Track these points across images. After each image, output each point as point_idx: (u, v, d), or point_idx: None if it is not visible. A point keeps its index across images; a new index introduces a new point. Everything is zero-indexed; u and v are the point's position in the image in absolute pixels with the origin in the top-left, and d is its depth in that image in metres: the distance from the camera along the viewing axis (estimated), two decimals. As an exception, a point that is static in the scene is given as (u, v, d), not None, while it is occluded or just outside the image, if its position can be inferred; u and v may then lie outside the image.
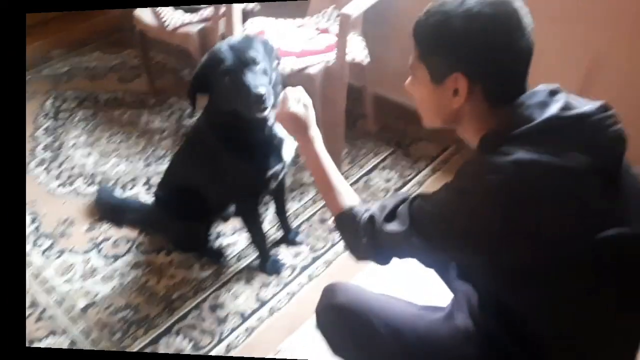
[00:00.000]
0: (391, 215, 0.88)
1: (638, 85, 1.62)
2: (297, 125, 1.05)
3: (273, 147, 1.47)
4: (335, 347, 1.12)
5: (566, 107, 0.76)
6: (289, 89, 1.08)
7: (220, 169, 1.53)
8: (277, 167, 1.51)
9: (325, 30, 1.99)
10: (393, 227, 0.86)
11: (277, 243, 1.82)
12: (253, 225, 1.68)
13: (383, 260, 0.94)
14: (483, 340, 0.92)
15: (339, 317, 1.06)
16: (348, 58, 1.81)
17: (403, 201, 0.89)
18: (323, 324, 1.12)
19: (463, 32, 0.76)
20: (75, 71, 2.80)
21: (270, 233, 1.84)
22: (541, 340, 0.84)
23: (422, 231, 0.82)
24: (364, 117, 2.22)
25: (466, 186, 0.78)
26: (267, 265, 1.73)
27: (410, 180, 2.00)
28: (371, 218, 0.91)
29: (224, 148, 1.47)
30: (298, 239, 1.81)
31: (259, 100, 1.25)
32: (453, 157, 2.07)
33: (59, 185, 2.11)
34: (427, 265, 1.18)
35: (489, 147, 0.79)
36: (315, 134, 1.05)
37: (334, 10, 2.06)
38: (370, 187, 1.99)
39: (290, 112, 1.04)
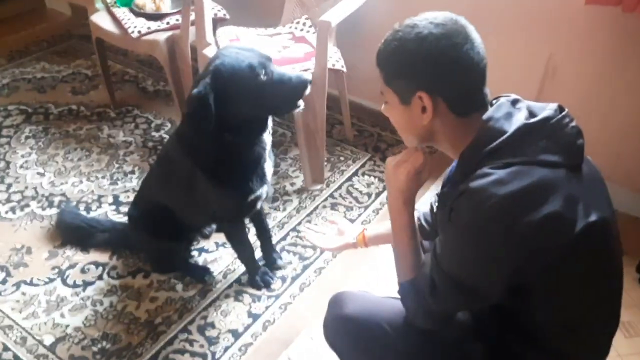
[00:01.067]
0: (432, 284, 0.90)
1: (590, 87, 1.78)
2: (416, 190, 0.99)
3: (260, 168, 1.42)
4: (346, 358, 1.11)
5: (530, 114, 0.85)
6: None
7: (203, 193, 1.43)
8: (262, 190, 1.46)
9: (301, 39, 1.99)
10: (437, 296, 0.89)
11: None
12: (240, 243, 1.61)
13: (444, 325, 0.96)
14: (483, 332, 0.97)
15: (349, 327, 1.05)
16: (328, 65, 1.81)
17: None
18: (332, 336, 1.10)
19: (417, 53, 0.83)
20: (18, 83, 2.56)
21: (257, 245, 1.78)
22: (536, 328, 0.89)
23: (458, 282, 0.85)
24: (341, 124, 2.24)
25: (467, 225, 0.81)
26: (256, 279, 1.66)
27: (389, 184, 2.04)
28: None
29: (208, 171, 1.37)
30: (280, 262, 1.72)
31: (306, 85, 1.24)
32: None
33: (8, 210, 1.90)
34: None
35: (468, 165, 0.85)
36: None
37: (306, 19, 2.07)
38: (352, 192, 2.00)
39: (424, 180, 0.99)
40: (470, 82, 0.85)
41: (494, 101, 0.89)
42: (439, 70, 0.83)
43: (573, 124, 0.85)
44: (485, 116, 0.85)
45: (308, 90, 1.27)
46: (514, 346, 0.92)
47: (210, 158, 1.34)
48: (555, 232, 0.78)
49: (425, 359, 1.00)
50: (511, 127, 0.82)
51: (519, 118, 0.84)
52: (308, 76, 1.26)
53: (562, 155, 0.81)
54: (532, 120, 0.83)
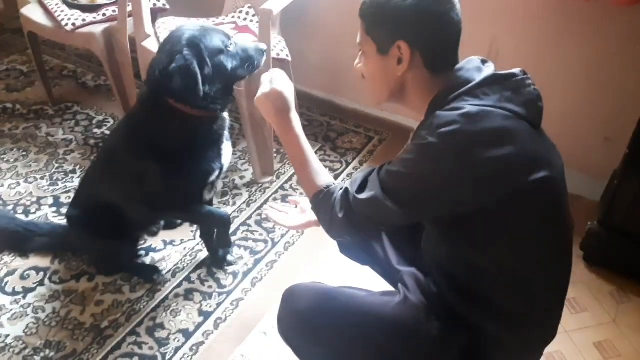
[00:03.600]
0: (363, 185, 0.95)
1: (530, 68, 1.82)
2: (282, 105, 1.04)
3: (216, 149, 1.41)
4: (303, 353, 1.08)
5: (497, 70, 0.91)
6: (274, 70, 1.10)
7: (158, 180, 1.38)
8: (216, 173, 1.43)
9: (244, 28, 1.95)
10: (365, 194, 0.92)
11: (200, 265, 1.68)
12: (206, 215, 1.54)
13: (358, 232, 0.98)
14: (439, 311, 0.98)
15: (304, 321, 1.03)
16: (272, 55, 1.78)
17: (371, 172, 0.96)
18: (288, 331, 1.07)
19: (402, 3, 0.88)
20: (-55, 82, 2.41)
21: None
22: (489, 292, 0.92)
23: (391, 191, 0.89)
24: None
25: (424, 142, 0.85)
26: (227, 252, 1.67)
27: (340, 173, 2.04)
28: (345, 191, 0.97)
29: (157, 157, 1.34)
30: (230, 258, 1.67)
31: (262, 53, 1.37)
32: (377, 148, 2.15)
33: (-61, 217, 1.78)
34: (363, 262, 1.26)
35: (438, 105, 0.88)
36: (295, 115, 1.07)
37: (249, 9, 2.02)
38: (304, 184, 1.98)
39: (279, 90, 1.03)
40: (449, 39, 0.91)
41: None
42: (423, 23, 0.88)
43: (535, 87, 0.90)
44: (456, 67, 0.91)
45: (265, 58, 1.38)
46: (471, 317, 0.94)
47: (170, 138, 1.33)
48: (506, 173, 0.83)
49: (383, 345, 0.98)
50: (480, 77, 0.88)
51: (489, 71, 0.90)
52: (263, 45, 1.39)
53: (525, 109, 0.86)
54: (500, 72, 0.89)
